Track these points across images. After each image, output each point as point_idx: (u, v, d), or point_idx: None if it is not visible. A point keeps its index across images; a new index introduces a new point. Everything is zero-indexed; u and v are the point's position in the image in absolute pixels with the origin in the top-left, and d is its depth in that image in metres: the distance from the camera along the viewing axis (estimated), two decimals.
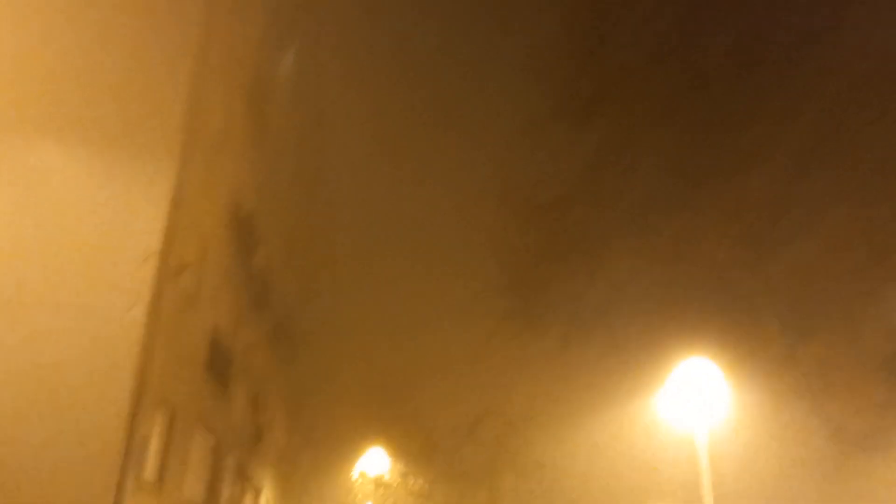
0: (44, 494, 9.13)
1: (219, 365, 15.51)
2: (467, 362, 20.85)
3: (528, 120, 22.74)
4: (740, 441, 17.12)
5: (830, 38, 18.02)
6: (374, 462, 20.62)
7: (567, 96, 20.74)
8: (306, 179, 27.61)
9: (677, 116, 19.80)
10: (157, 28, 11.44)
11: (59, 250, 10.45)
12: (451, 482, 19.68)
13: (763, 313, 18.35)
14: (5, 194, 10.66)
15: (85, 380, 9.78)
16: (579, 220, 20.28)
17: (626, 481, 20.94)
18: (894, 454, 16.73)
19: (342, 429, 26.87)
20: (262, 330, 21.58)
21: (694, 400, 10.17)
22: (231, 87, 14.74)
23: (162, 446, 11.96)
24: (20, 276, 10.26)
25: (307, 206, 28.92)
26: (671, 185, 19.71)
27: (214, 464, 16.42)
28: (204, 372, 14.37)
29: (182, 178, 11.13)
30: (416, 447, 20.41)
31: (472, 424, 20.39)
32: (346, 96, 27.73)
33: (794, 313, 18.71)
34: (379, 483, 21.28)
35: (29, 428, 9.46)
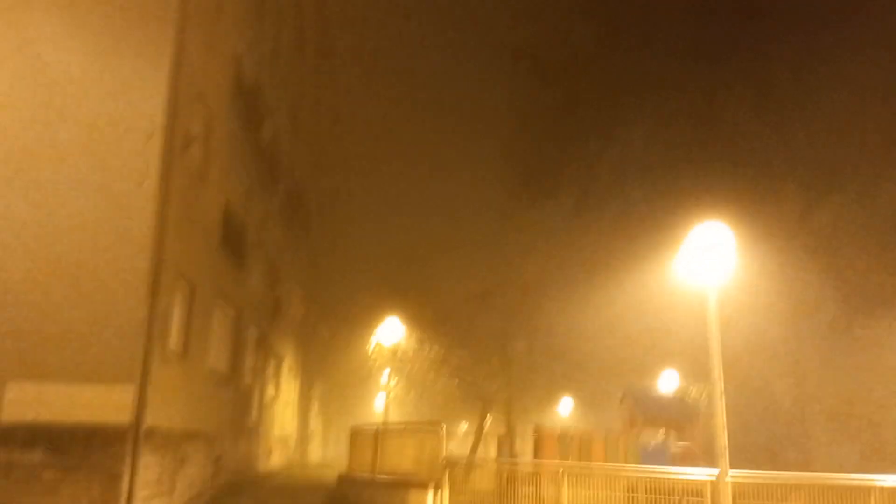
0: (73, 367, 9.45)
1: (233, 239, 15.62)
2: (481, 233, 20.89)
3: None
4: (751, 303, 17.37)
5: None
6: (391, 331, 21.12)
7: None
8: (311, 49, 26.70)
9: None
10: None
11: (62, 125, 10.30)
12: (466, 348, 20.22)
13: (780, 174, 18.12)
14: (6, 69, 10.37)
15: (104, 255, 9.89)
16: (594, 82, 19.66)
17: (638, 345, 21.56)
18: None
19: (358, 300, 27.50)
20: (275, 204, 21.60)
21: (707, 263, 10.11)
22: None
23: (184, 319, 12.26)
24: (26, 152, 10.15)
25: (313, 77, 28.16)
26: (690, 44, 18.88)
27: (236, 335, 16.93)
28: (219, 246, 14.50)
29: (181, 44, 10.74)
30: (430, 316, 20.82)
31: (486, 294, 20.68)
32: None
33: (812, 173, 18.47)
34: (395, 351, 21.90)
35: (54, 305, 9.67)
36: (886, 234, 17.79)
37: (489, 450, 21.06)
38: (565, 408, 37.78)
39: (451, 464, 14.20)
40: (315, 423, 32.21)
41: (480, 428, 21.56)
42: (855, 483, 11.42)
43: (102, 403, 9.34)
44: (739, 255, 10.72)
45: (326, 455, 31.60)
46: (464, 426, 28.34)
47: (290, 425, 26.25)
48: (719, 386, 10.08)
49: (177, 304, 11.58)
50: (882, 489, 11.12)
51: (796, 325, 20.24)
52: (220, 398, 15.47)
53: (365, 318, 24.42)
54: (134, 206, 10.09)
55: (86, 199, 10.06)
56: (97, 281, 9.81)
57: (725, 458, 9.95)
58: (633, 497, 12.28)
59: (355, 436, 17.91)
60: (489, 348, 20.38)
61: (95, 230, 9.99)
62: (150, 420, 9.75)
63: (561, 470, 12.64)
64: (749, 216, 15.95)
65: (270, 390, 21.78)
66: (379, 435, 16.37)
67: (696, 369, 21.91)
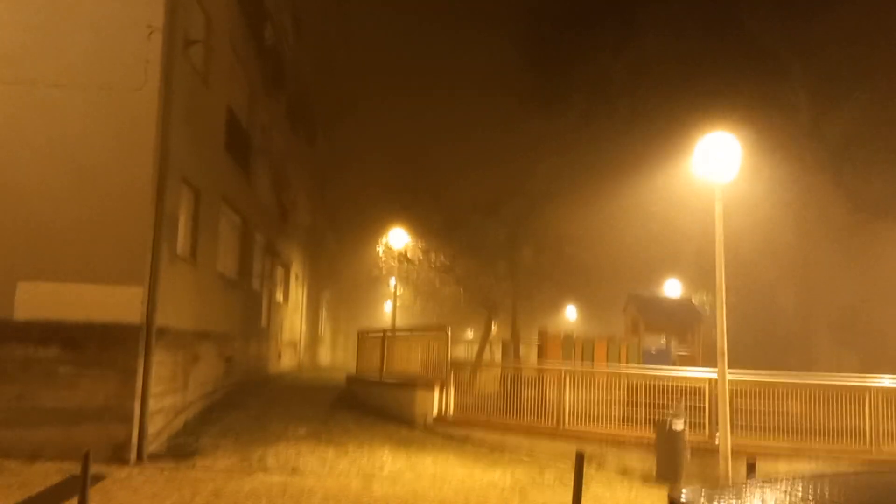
0: (82, 268, 9.58)
1: (238, 145, 15.51)
2: (489, 141, 20.57)
3: None
4: (760, 212, 17.29)
5: None
6: (397, 240, 21.23)
7: None
8: None
9: None
10: None
11: (61, 25, 10.09)
12: (472, 257, 20.35)
13: (793, 82, 17.65)
14: None
15: (108, 158, 9.87)
16: None
17: (645, 253, 21.59)
18: None
19: (365, 208, 27.51)
20: (279, 110, 21.32)
21: (715, 173, 10.07)
22: None
23: (190, 223, 12.34)
24: (25, 53, 9.97)
25: None
26: None
27: (243, 241, 17.07)
28: (224, 151, 14.41)
29: None
30: (437, 225, 20.86)
31: (492, 203, 20.60)
32: None
33: (824, 83, 17.97)
34: (402, 259, 22.08)
35: (60, 208, 9.71)
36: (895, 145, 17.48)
37: (494, 354, 21.55)
38: (570, 314, 38.43)
39: (456, 366, 14.56)
40: (324, 328, 32.93)
41: (486, 333, 22.00)
42: (850, 384, 11.69)
43: (114, 303, 9.53)
44: (748, 164, 10.65)
45: (336, 359, 32.46)
46: (470, 332, 28.95)
47: (300, 329, 26.85)
48: (721, 292, 10.21)
49: (182, 208, 11.62)
50: (878, 389, 11.40)
51: (803, 233, 20.22)
52: (229, 301, 15.77)
53: (372, 226, 24.55)
54: (136, 108, 9.98)
55: (88, 100, 9.95)
56: (102, 183, 9.81)
57: (724, 360, 10.18)
58: (633, 398, 12.59)
59: (363, 339, 18.34)
60: (495, 256, 20.51)
61: (98, 132, 9.92)
62: (161, 320, 9.96)
63: (563, 372, 12.95)
64: (761, 125, 15.66)
65: (279, 295, 22.15)
66: (386, 338, 16.75)
67: (702, 278, 22.06)
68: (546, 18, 20.10)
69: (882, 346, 19.65)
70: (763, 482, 4.27)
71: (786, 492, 3.75)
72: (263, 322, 19.79)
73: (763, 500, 3.79)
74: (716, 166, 10.11)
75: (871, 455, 11.04)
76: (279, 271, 22.03)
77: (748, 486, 4.63)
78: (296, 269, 25.38)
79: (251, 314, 18.29)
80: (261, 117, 18.46)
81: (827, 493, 3.75)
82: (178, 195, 11.04)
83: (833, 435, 11.27)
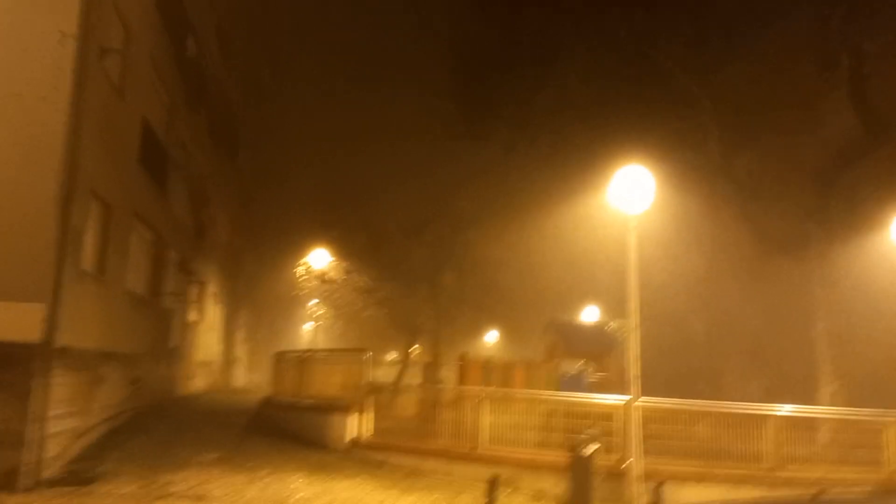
0: None
1: (154, 160, 15.03)
2: (414, 165, 20.68)
3: None
4: (672, 244, 17.94)
5: None
6: (319, 260, 21.00)
7: None
8: None
9: None
10: None
11: None
12: (394, 279, 20.32)
13: (705, 121, 18.47)
14: None
15: (12, 169, 9.39)
16: (533, 21, 19.39)
17: (564, 281, 22.11)
18: (809, 255, 17.87)
19: (288, 228, 27.13)
20: (201, 126, 20.83)
21: (629, 205, 10.48)
22: None
23: (99, 239, 11.84)
24: None
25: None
26: None
27: (156, 258, 16.49)
28: (138, 166, 13.93)
29: None
30: (360, 247, 20.76)
31: (417, 227, 20.69)
32: None
33: (735, 122, 18.89)
34: (323, 279, 21.85)
35: None
36: (799, 183, 18.52)
37: (415, 377, 21.47)
38: (492, 338, 38.78)
39: (375, 390, 14.41)
40: (240, 349, 32.06)
41: (407, 356, 21.91)
42: (753, 412, 12.22)
43: (12, 321, 9.00)
44: (661, 197, 11.11)
45: (252, 381, 31.61)
46: (391, 355, 28.77)
47: (214, 350, 26.05)
48: (635, 318, 10.53)
49: (91, 223, 11.14)
50: (777, 417, 11.96)
51: (712, 265, 21.09)
52: (138, 320, 15.16)
53: (294, 246, 24.20)
54: (44, 118, 9.55)
55: None
56: (5, 195, 9.32)
57: (637, 386, 10.47)
58: (550, 422, 12.75)
59: (279, 361, 17.95)
60: (418, 279, 20.53)
61: (2, 142, 9.43)
62: (63, 339, 9.48)
63: (481, 395, 13.00)
64: (674, 160, 16.31)
65: (193, 315, 21.45)
66: (304, 360, 16.44)
67: (618, 305, 22.66)
68: (473, 53, 20.44)
69: (785, 373, 20.58)
70: None
71: None
72: (175, 342, 19.10)
73: None
74: (630, 198, 10.51)
75: (772, 475, 11.51)
76: (194, 290, 21.35)
77: None
78: (213, 287, 24.68)
79: (161, 334, 17.63)
80: (180, 132, 17.98)
81: None
82: (86, 209, 10.59)
83: (738, 458, 11.72)
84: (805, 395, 16.74)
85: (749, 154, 19.85)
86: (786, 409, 12.23)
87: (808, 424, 12.72)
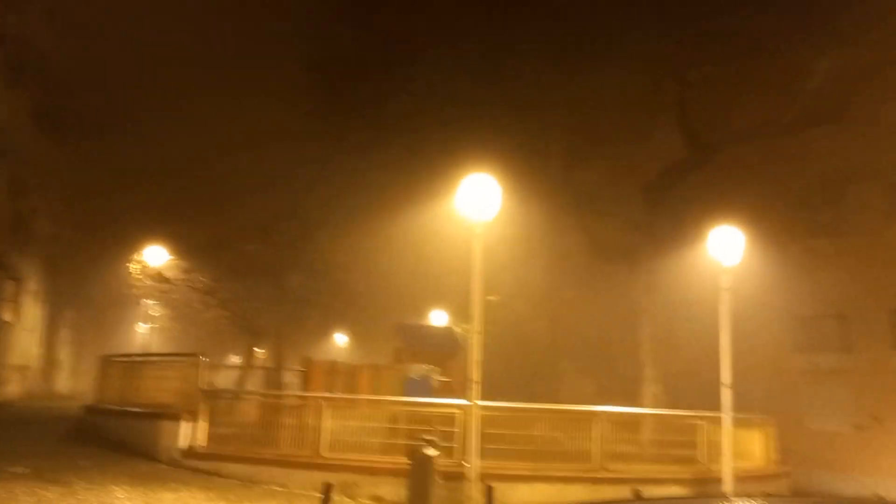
0: None
1: None
2: (265, 163, 19.94)
3: None
4: (517, 252, 18.57)
5: None
6: (155, 257, 19.81)
7: None
8: None
9: None
10: None
11: None
12: (237, 280, 19.56)
13: (549, 135, 19.33)
14: None
15: None
16: (391, 21, 19.38)
17: (412, 285, 22.22)
18: (638, 264, 19.21)
19: (125, 222, 25.32)
20: (23, 106, 19.02)
21: (475, 212, 10.73)
22: None
23: None
24: None
25: None
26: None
27: None
28: None
29: None
30: (201, 245, 19.80)
31: (263, 226, 20.03)
32: None
33: (577, 137, 19.92)
34: (161, 279, 20.63)
35: None
36: (632, 198, 19.86)
37: (257, 382, 20.79)
38: (340, 341, 38.35)
39: (212, 395, 13.75)
40: (65, 353, 29.55)
41: (248, 360, 21.17)
42: (583, 412, 12.93)
43: None
44: (508, 206, 11.46)
45: (78, 386, 29.24)
46: (232, 359, 27.66)
47: (33, 354, 23.83)
48: (478, 323, 10.77)
49: None
50: (603, 415, 12.73)
51: (554, 273, 22.13)
52: None
53: (130, 242, 22.59)
54: None
55: None
56: None
57: (476, 390, 10.71)
58: (393, 426, 12.76)
59: (105, 366, 16.73)
60: (262, 280, 19.87)
61: None
62: None
63: (322, 400, 12.79)
64: (521, 170, 16.89)
65: (7, 315, 19.51)
66: (132, 365, 15.42)
67: (464, 309, 23.18)
68: (331, 54, 20.12)
69: (618, 375, 21.91)
70: None
71: None
72: None
73: None
74: (476, 205, 10.74)
75: (598, 475, 12.18)
76: (9, 287, 19.43)
77: None
78: (33, 285, 22.57)
79: None
80: None
81: None
82: None
83: (568, 457, 12.33)
84: (635, 396, 17.95)
85: (588, 168, 21.01)
86: (609, 409, 13.05)
87: (633, 424, 13.65)
